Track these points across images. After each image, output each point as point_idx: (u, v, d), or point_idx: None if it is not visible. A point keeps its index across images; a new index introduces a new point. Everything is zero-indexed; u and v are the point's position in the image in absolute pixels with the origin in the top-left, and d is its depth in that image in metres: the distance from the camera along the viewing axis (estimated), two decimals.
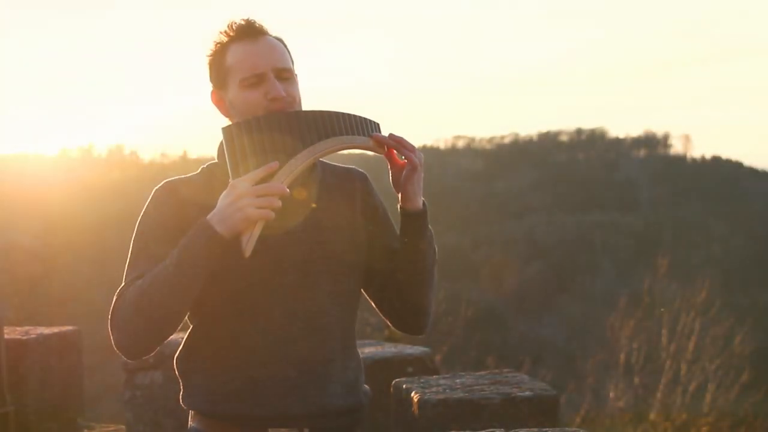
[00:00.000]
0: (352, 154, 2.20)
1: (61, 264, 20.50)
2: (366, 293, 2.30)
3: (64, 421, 4.96)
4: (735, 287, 35.95)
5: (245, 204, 1.91)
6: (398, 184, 2.17)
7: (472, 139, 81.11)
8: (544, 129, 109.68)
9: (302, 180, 2.15)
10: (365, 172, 2.32)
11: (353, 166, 2.32)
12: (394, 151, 2.16)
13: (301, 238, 2.12)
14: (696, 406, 16.59)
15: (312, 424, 2.11)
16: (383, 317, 2.31)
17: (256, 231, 1.95)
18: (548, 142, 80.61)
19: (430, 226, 2.18)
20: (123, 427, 5.13)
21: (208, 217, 1.96)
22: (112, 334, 2.02)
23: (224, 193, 1.96)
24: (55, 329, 5.00)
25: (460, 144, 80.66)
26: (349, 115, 2.10)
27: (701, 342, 16.95)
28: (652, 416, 16.45)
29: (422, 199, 2.14)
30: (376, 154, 2.16)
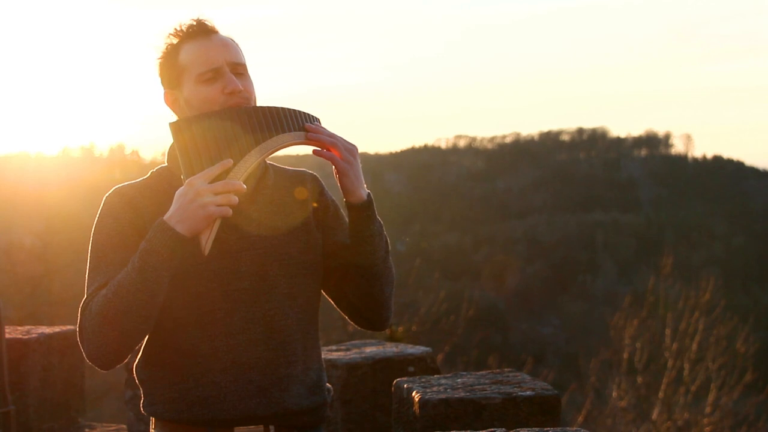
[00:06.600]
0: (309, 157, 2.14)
1: (62, 264, 20.47)
2: (326, 293, 2.28)
3: (66, 420, 4.96)
4: (736, 287, 35.95)
5: (206, 202, 1.90)
6: None
7: (474, 139, 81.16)
8: (545, 128, 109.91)
9: (255, 184, 2.15)
10: (316, 174, 2.30)
11: (304, 169, 2.30)
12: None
13: (257, 242, 2.11)
14: (698, 405, 16.59)
15: (277, 423, 2.12)
16: (344, 316, 2.30)
17: (215, 229, 1.94)
18: (550, 141, 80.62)
19: (378, 217, 2.15)
20: (124, 426, 5.13)
21: (165, 217, 1.93)
22: (83, 348, 1.99)
23: (180, 191, 1.94)
24: (57, 329, 5.01)
25: (462, 143, 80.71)
26: (296, 110, 2.09)
27: (704, 342, 16.94)
28: (654, 416, 16.46)
29: (366, 190, 2.11)
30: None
